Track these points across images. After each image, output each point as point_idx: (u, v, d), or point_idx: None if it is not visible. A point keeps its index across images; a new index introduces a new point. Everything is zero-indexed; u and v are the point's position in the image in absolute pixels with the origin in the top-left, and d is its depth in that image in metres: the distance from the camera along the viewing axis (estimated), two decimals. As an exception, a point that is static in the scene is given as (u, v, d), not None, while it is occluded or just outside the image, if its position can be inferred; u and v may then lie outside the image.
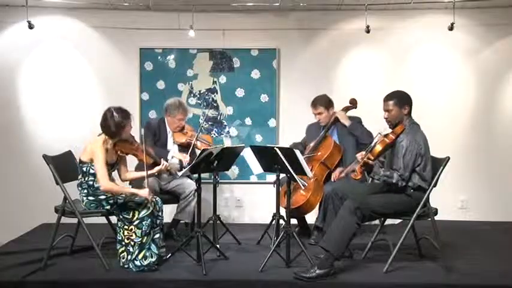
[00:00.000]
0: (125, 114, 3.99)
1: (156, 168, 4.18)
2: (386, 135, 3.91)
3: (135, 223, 3.88)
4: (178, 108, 4.75)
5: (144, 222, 3.88)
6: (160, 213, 4.03)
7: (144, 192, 3.92)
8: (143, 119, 5.55)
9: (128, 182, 4.42)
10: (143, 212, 3.89)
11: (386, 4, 5.48)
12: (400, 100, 3.93)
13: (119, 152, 4.07)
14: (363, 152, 3.88)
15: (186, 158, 4.57)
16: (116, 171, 4.17)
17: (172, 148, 4.79)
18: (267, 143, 5.55)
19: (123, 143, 4.07)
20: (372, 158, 3.81)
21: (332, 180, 4.66)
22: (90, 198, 3.98)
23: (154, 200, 4.00)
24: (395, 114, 3.93)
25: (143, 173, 4.08)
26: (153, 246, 3.91)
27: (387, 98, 3.97)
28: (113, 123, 3.93)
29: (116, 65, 5.70)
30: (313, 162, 4.70)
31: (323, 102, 4.80)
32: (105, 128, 3.96)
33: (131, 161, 4.33)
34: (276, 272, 3.82)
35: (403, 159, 3.81)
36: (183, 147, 4.76)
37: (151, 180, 4.53)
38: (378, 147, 3.82)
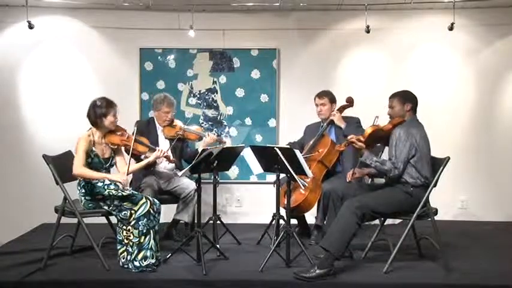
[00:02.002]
0: (107, 103, 4.06)
1: (154, 155, 4.19)
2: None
3: (131, 223, 3.88)
4: (163, 101, 4.76)
5: (140, 222, 3.87)
6: (156, 215, 3.99)
7: (116, 177, 3.97)
8: (143, 119, 5.53)
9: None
10: (139, 212, 3.88)
11: (386, 4, 5.48)
12: (403, 97, 4.06)
13: (109, 144, 4.09)
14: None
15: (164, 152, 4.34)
16: (114, 166, 4.18)
17: (164, 144, 4.77)
18: (267, 143, 5.54)
19: (112, 135, 4.11)
20: (362, 139, 3.91)
21: (347, 180, 4.38)
22: (88, 198, 3.99)
23: (151, 200, 3.99)
24: (397, 110, 4.04)
25: (141, 163, 4.18)
26: (154, 246, 3.90)
27: (392, 96, 4.12)
28: (93, 112, 4.03)
29: (116, 65, 5.70)
30: (311, 161, 4.69)
31: (329, 94, 4.89)
32: (89, 117, 4.05)
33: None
34: (276, 272, 3.82)
35: (395, 147, 3.88)
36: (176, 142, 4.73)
37: (150, 180, 4.56)
38: (368, 130, 3.94)
